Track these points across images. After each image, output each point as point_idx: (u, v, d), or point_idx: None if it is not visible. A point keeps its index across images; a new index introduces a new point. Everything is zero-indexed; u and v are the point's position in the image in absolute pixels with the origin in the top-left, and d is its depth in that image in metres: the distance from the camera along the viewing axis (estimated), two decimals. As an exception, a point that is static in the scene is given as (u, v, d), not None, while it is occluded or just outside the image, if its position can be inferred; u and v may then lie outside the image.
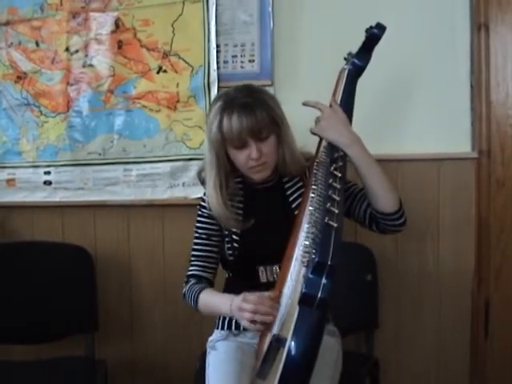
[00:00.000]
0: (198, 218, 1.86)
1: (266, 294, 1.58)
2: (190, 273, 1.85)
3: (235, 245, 1.79)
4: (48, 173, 2.62)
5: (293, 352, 1.33)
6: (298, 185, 1.82)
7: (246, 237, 1.79)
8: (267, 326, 1.54)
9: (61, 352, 2.38)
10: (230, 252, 1.81)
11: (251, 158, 1.70)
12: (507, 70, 2.29)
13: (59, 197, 2.63)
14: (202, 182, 1.87)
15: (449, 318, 2.38)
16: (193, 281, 1.82)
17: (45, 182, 2.63)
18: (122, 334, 2.63)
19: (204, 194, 1.85)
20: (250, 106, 1.68)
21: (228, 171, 1.78)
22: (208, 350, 1.86)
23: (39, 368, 2.28)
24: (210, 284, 1.83)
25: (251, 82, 2.34)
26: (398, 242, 2.39)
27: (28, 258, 2.45)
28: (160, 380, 2.61)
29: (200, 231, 1.85)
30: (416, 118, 2.37)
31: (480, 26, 2.28)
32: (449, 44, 2.32)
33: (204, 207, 1.84)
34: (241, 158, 1.72)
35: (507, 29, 2.27)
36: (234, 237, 1.79)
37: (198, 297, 1.76)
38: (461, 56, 2.32)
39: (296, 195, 1.81)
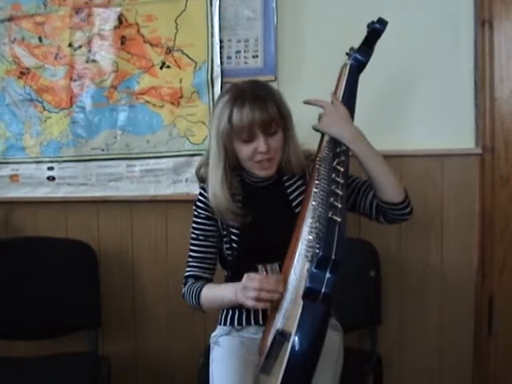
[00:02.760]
0: (195, 219, 1.84)
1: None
2: (187, 274, 1.83)
3: (234, 245, 1.78)
4: (51, 168, 2.62)
5: (297, 346, 1.33)
6: (299, 183, 1.82)
7: (245, 236, 1.78)
8: (273, 305, 1.54)
9: (64, 348, 2.38)
10: (229, 252, 1.80)
11: (259, 152, 1.69)
12: (511, 66, 2.28)
13: (62, 192, 2.63)
14: (201, 180, 1.86)
15: (452, 314, 2.39)
16: (191, 281, 1.81)
17: (48, 178, 2.63)
18: (125, 329, 2.64)
19: (200, 194, 1.84)
20: (261, 98, 1.68)
21: (231, 166, 1.76)
22: (212, 345, 1.86)
23: (42, 364, 2.28)
24: (208, 282, 1.82)
25: (255, 78, 2.35)
26: (401, 238, 2.39)
27: (31, 253, 2.45)
28: (163, 375, 2.61)
29: (197, 232, 1.83)
30: (420, 115, 2.37)
31: (484, 22, 2.27)
32: (452, 40, 2.32)
33: (200, 207, 1.82)
34: (247, 151, 1.70)
35: (511, 25, 2.27)
36: (233, 237, 1.78)
37: (199, 293, 1.75)
38: (464, 52, 2.31)
39: (296, 193, 1.81)
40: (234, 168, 1.78)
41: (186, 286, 1.81)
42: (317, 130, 1.76)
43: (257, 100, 1.67)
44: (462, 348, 2.39)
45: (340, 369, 1.74)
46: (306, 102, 1.79)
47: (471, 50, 2.31)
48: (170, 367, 2.60)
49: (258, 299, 1.51)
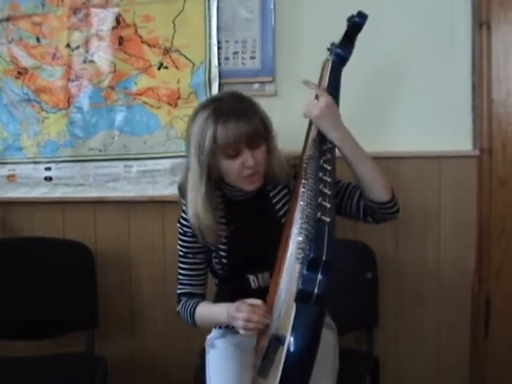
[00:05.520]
0: (181, 237, 1.79)
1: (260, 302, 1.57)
2: (180, 291, 1.81)
3: (223, 260, 1.76)
4: (49, 169, 2.61)
5: (292, 350, 1.32)
6: (283, 192, 1.78)
7: (234, 251, 1.75)
8: (262, 330, 1.55)
9: (61, 348, 2.39)
10: (219, 267, 1.78)
11: (247, 166, 1.63)
12: (509, 68, 2.28)
13: (60, 193, 2.62)
14: (183, 195, 1.77)
15: (449, 317, 2.38)
16: (185, 299, 1.79)
17: (45, 178, 2.63)
18: (122, 330, 2.63)
19: (183, 211, 1.76)
20: (244, 111, 1.63)
21: (212, 183, 1.69)
22: (207, 348, 1.86)
23: (39, 364, 2.28)
24: (202, 298, 1.81)
25: (253, 79, 2.36)
26: (398, 240, 2.38)
27: (28, 254, 2.45)
28: (160, 376, 2.61)
29: (184, 250, 1.79)
30: (417, 116, 2.36)
31: (482, 24, 2.27)
32: (450, 42, 2.31)
33: (185, 225, 1.76)
34: (234, 167, 1.64)
35: (509, 27, 2.27)
36: (222, 253, 1.76)
37: (194, 312, 1.75)
38: (462, 54, 2.31)
39: (282, 202, 1.77)
40: (214, 183, 1.71)
41: (180, 305, 1.79)
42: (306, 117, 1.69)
43: (240, 113, 1.61)
44: (459, 350, 2.39)
45: (337, 368, 1.74)
46: (305, 83, 1.72)
47: (469, 51, 2.31)
48: (166, 368, 2.60)
49: (245, 328, 1.53)
